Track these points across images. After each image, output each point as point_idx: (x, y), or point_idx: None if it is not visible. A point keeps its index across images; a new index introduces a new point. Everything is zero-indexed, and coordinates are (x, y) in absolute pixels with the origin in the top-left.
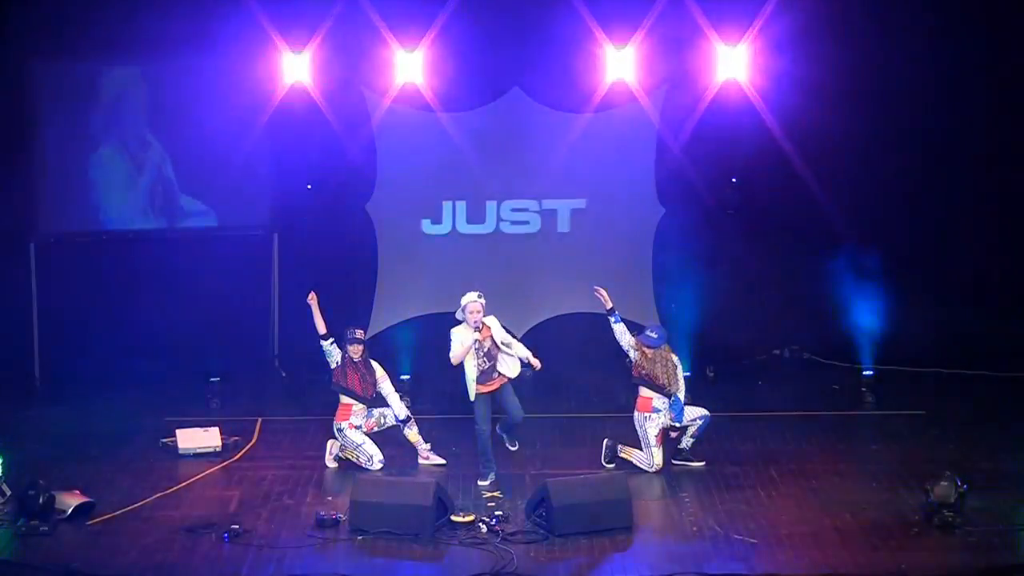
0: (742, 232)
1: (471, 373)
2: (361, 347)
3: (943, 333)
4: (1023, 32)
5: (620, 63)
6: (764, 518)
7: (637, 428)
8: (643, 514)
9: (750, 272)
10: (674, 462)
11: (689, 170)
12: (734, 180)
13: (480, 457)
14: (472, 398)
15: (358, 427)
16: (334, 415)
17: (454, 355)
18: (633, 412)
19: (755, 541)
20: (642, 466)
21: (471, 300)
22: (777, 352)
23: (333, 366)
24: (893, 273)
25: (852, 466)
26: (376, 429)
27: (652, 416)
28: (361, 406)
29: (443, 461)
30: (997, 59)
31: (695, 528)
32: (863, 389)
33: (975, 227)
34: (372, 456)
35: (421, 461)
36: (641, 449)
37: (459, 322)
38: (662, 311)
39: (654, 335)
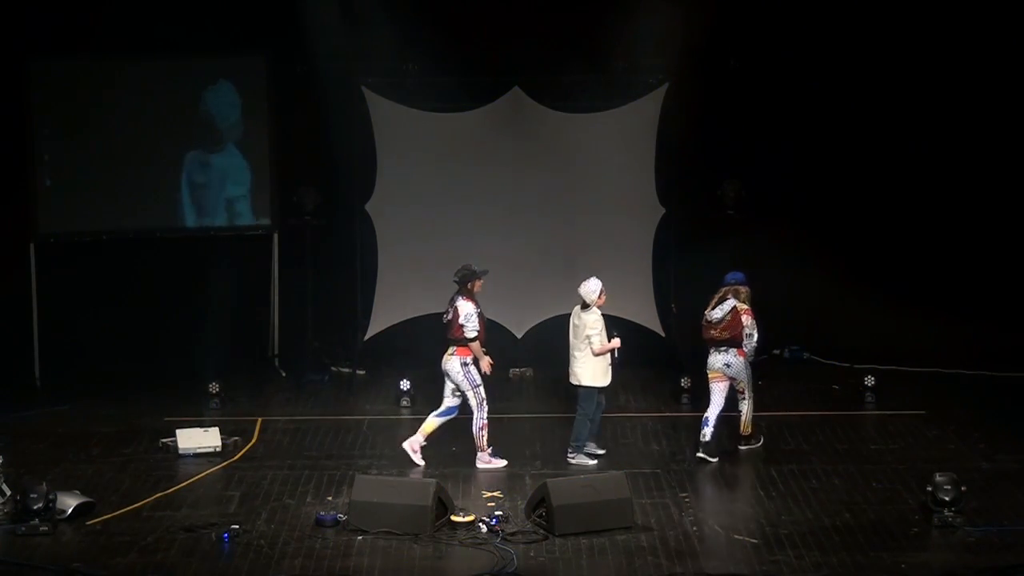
0: (742, 232)
1: (609, 358)
2: (482, 280)
3: (943, 333)
4: (1017, 36)
5: (620, 63)
6: (764, 518)
7: (742, 373)
8: (643, 514)
9: (750, 272)
10: (698, 455)
11: (689, 170)
12: (732, 179)
13: (582, 441)
14: (607, 383)
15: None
16: (451, 354)
17: (605, 342)
18: (731, 362)
19: (755, 541)
20: (751, 408)
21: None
22: (777, 352)
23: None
24: (893, 273)
25: (852, 466)
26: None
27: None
28: None
29: (421, 464)
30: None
31: (695, 528)
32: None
33: (976, 227)
34: (484, 398)
35: (410, 451)
36: (744, 395)
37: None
38: (662, 311)
39: (737, 274)
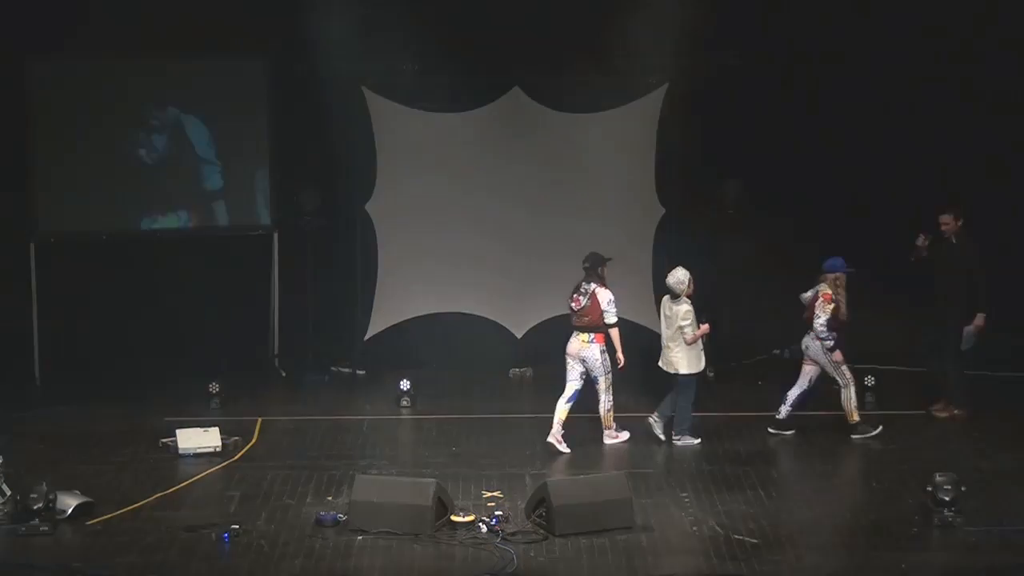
0: (742, 232)
1: (701, 345)
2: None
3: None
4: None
5: (620, 63)
6: (764, 518)
7: (821, 357)
8: (643, 514)
9: (750, 272)
10: (770, 431)
11: (689, 170)
12: (732, 179)
13: (687, 423)
14: (702, 367)
15: None
16: (588, 341)
17: (696, 331)
18: (809, 344)
19: (755, 541)
20: (851, 394)
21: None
22: (777, 352)
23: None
24: (893, 273)
25: (852, 466)
26: None
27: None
28: None
29: (568, 451)
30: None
31: (695, 528)
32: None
33: (976, 227)
34: (612, 383)
35: (556, 443)
36: (838, 383)
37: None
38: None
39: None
